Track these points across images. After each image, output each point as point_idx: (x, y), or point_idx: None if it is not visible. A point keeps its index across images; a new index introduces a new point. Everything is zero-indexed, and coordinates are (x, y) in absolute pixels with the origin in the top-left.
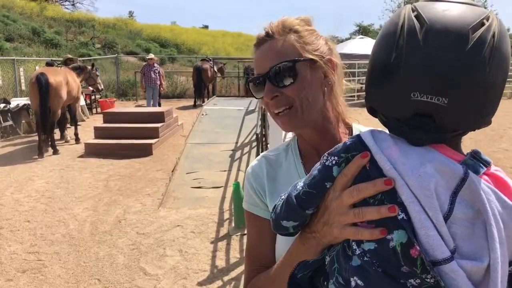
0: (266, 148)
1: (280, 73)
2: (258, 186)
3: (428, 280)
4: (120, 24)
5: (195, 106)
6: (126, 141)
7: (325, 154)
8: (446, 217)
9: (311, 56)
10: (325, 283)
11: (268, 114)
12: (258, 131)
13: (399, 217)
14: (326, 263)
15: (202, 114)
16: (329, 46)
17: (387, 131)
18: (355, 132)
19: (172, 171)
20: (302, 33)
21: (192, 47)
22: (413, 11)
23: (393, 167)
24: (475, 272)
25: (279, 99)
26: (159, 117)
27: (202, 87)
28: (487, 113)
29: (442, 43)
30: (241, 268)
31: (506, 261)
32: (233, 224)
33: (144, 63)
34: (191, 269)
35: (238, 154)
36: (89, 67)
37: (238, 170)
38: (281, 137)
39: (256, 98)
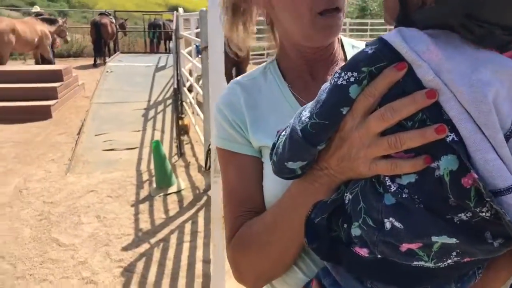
0: (182, 106)
1: None
2: (235, 117)
3: (483, 213)
4: None
5: (95, 65)
6: (18, 104)
7: (338, 70)
8: (509, 136)
9: None
10: (345, 225)
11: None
12: (175, 85)
13: (448, 139)
14: (347, 202)
15: (107, 72)
16: None
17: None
18: (346, 46)
19: (78, 134)
20: None
21: (86, 2)
22: None
23: (436, 75)
24: None
25: None
26: (56, 76)
27: (102, 44)
28: None
29: None
30: (168, 228)
31: None
32: (154, 185)
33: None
34: (112, 234)
35: (151, 113)
36: (60, 20)
37: (154, 129)
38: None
39: None
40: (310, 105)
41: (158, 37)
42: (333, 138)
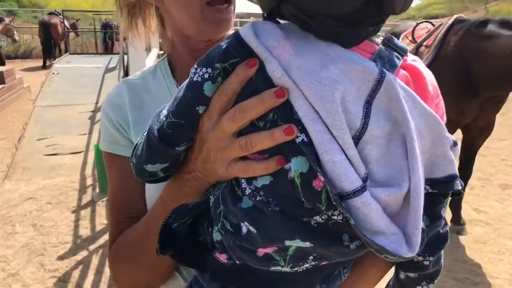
0: None
1: None
2: (118, 117)
3: (335, 217)
4: None
5: (44, 67)
6: None
7: (194, 65)
8: (359, 136)
9: None
10: (210, 230)
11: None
12: None
13: (298, 140)
14: (211, 204)
15: (53, 73)
16: None
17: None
18: None
19: (19, 139)
20: None
21: (37, 1)
22: None
23: (285, 73)
24: (392, 202)
25: None
26: None
27: (51, 45)
28: None
29: None
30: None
31: (423, 182)
32: (97, 190)
33: None
34: (49, 243)
35: (99, 115)
36: (7, 19)
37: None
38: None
39: None
40: (169, 103)
41: (110, 37)
42: (195, 139)
